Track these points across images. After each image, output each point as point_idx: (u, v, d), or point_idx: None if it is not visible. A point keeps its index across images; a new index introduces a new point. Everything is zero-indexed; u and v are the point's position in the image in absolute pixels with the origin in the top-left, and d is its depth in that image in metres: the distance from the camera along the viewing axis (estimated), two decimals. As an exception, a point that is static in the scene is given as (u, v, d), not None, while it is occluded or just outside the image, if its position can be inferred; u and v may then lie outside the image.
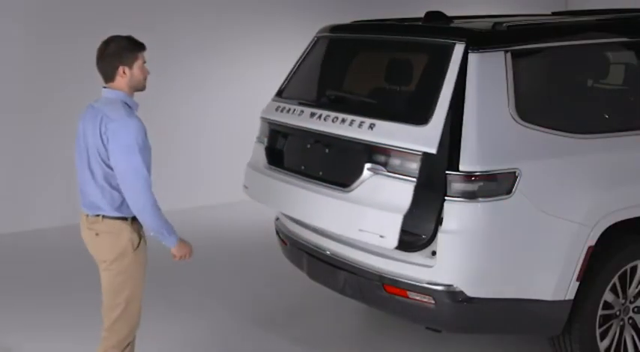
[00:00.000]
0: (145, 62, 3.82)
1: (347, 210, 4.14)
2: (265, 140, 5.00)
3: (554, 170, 3.98)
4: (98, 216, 3.78)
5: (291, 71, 5.13)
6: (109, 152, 3.67)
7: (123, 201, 3.74)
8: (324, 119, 4.42)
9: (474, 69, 3.89)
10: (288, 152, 4.82)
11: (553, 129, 4.01)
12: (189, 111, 8.28)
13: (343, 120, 4.30)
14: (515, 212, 3.86)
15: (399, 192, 3.91)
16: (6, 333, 5.24)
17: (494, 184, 3.83)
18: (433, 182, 3.85)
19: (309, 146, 4.57)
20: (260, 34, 8.57)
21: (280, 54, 7.87)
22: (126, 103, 3.77)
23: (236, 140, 8.60)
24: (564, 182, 3.99)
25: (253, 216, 7.76)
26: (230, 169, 8.46)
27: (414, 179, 3.87)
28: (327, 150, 4.44)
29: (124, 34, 3.84)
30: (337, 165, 4.39)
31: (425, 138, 3.87)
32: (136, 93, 3.87)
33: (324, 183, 4.35)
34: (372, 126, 4.13)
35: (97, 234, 3.80)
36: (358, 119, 4.22)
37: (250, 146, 8.91)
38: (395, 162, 4.00)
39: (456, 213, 3.84)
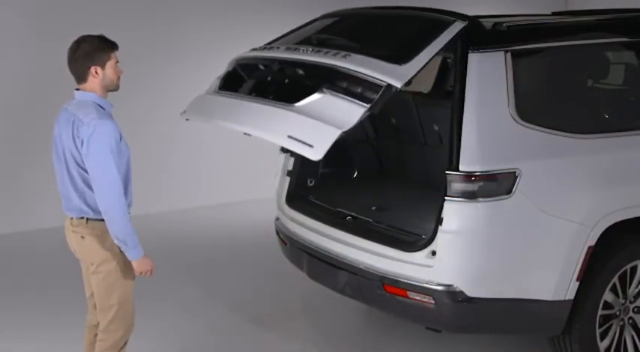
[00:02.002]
0: (117, 62, 3.76)
1: (283, 117, 3.92)
2: (225, 74, 4.80)
3: (554, 170, 3.98)
4: (82, 218, 3.76)
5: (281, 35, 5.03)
6: (82, 156, 3.64)
7: None
8: (300, 51, 4.31)
9: (474, 69, 3.89)
10: (245, 80, 4.61)
11: (553, 129, 4.01)
12: (190, 111, 8.28)
13: (318, 51, 4.20)
14: (515, 212, 3.86)
15: (347, 113, 3.74)
16: (4, 334, 5.25)
17: (494, 184, 3.83)
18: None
19: (269, 78, 4.42)
20: (260, 34, 8.54)
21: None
22: (99, 105, 3.71)
23: (236, 140, 8.59)
24: (564, 182, 3.99)
25: (253, 216, 7.77)
26: (230, 169, 8.48)
27: (367, 105, 3.73)
28: (286, 80, 4.29)
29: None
30: (291, 89, 4.19)
31: (395, 73, 3.78)
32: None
33: (270, 100, 4.14)
34: (346, 56, 4.02)
35: (82, 237, 3.78)
36: (334, 50, 4.14)
37: (250, 146, 8.90)
38: (355, 88, 3.85)
39: (456, 213, 3.84)
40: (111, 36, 3.80)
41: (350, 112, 3.72)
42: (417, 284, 3.95)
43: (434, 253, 3.93)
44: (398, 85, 3.73)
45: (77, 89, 3.77)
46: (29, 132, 7.47)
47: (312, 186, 5.22)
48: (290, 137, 3.76)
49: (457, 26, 3.97)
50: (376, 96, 3.73)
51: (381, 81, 3.75)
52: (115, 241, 3.69)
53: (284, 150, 5.20)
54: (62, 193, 3.83)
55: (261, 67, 4.55)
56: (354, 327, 5.44)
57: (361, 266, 4.23)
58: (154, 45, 7.95)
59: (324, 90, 3.89)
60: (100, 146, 3.58)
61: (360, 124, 5.44)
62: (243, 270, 6.46)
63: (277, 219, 5.16)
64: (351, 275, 4.30)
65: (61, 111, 3.80)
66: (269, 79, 4.41)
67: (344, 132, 3.65)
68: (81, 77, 3.72)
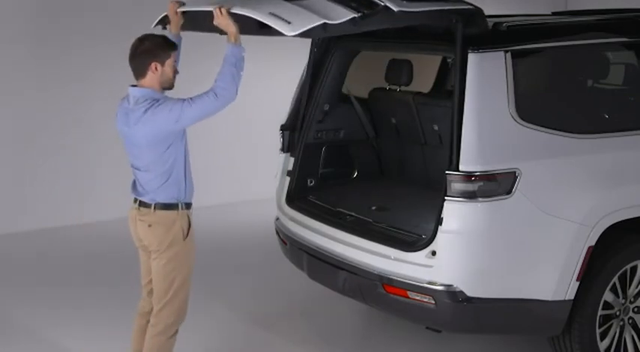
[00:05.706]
0: (175, 61, 3.94)
1: (272, 2, 3.86)
2: None
3: (554, 170, 3.99)
4: (150, 207, 3.89)
5: None
6: (171, 132, 3.79)
7: (173, 191, 3.88)
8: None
9: (474, 69, 3.90)
10: None
11: (553, 129, 4.02)
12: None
13: None
14: (515, 212, 3.87)
15: (335, 12, 3.69)
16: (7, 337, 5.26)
17: (494, 184, 3.84)
18: None
19: None
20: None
21: (284, 55, 7.85)
22: (155, 99, 3.86)
23: (236, 141, 8.60)
24: (564, 182, 3.99)
25: (253, 216, 7.76)
26: (230, 169, 8.48)
27: (358, 14, 3.67)
28: None
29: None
30: None
31: (396, 0, 3.77)
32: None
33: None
34: None
35: (149, 225, 3.92)
36: None
37: (250, 147, 8.88)
38: (353, 1, 3.80)
39: (456, 213, 3.85)
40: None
41: (338, 13, 3.70)
42: (417, 284, 3.96)
43: (434, 253, 3.93)
44: (395, 8, 3.72)
45: (134, 85, 3.90)
46: (34, 131, 7.47)
47: (312, 186, 5.22)
48: (271, 13, 3.73)
49: (464, 4, 3.95)
50: (370, 12, 3.72)
51: (380, 1, 3.75)
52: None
53: (284, 149, 5.20)
54: (132, 183, 3.98)
55: None
56: (354, 327, 5.44)
57: (361, 266, 4.23)
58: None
59: None
60: (175, 103, 3.79)
61: (360, 124, 5.50)
62: (243, 270, 6.46)
63: (277, 219, 5.16)
64: (351, 275, 4.30)
65: (118, 107, 3.94)
66: None
67: (324, 30, 3.62)
68: (140, 72, 3.86)
